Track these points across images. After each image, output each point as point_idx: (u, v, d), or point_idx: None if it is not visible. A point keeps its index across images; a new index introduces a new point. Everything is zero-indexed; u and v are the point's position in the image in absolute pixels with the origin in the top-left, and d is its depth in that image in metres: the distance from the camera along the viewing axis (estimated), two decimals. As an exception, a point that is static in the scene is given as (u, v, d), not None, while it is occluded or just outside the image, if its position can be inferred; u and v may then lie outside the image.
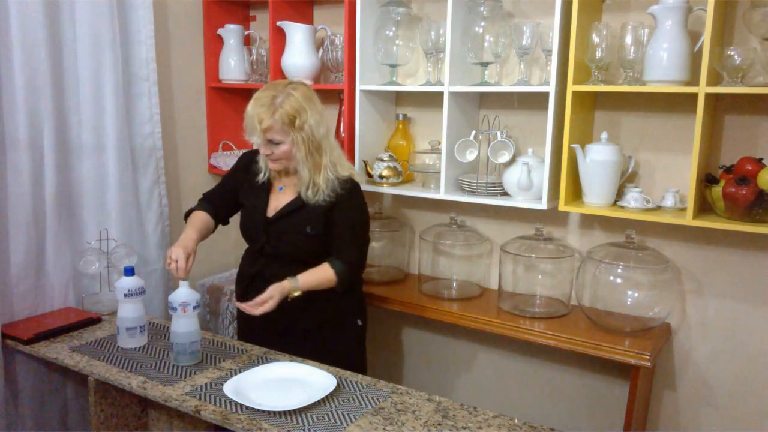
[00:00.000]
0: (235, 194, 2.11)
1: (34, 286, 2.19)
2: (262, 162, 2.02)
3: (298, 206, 1.95)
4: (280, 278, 1.87)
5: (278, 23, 2.53)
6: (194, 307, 1.82)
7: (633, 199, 2.00)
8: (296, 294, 1.87)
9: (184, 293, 1.81)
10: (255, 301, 1.83)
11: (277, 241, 1.99)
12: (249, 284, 2.04)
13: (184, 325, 1.82)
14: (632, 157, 2.12)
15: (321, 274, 1.91)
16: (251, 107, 1.85)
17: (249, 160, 2.10)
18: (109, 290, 2.33)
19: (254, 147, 1.95)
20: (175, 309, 1.80)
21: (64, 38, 2.20)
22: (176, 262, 1.87)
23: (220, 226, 2.18)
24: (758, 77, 1.89)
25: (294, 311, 1.93)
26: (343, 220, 1.94)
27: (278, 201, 2.00)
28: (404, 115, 2.54)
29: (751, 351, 2.07)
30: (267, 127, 1.82)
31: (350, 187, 1.94)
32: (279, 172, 2.00)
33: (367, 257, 2.07)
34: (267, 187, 2.04)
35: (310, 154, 1.88)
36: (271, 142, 1.86)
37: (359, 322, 2.11)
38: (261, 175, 2.02)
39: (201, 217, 2.08)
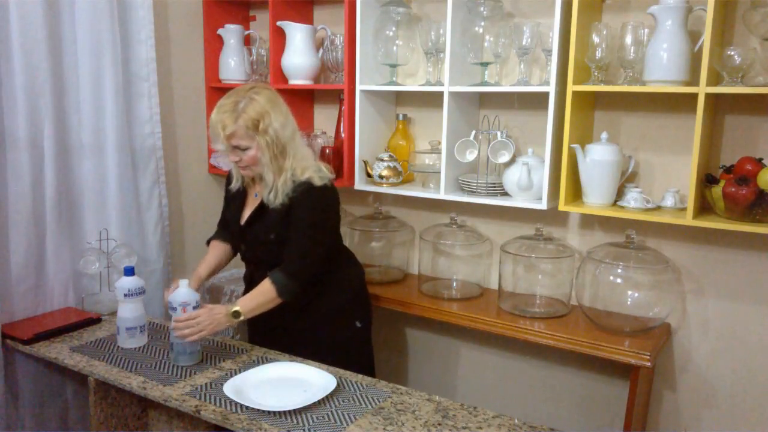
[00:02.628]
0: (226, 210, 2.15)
1: (34, 286, 2.18)
2: (234, 171, 2.02)
3: (258, 213, 1.95)
4: None
5: (278, 23, 2.53)
6: (194, 307, 1.82)
7: (633, 199, 2.00)
8: (237, 319, 1.83)
9: (183, 293, 1.81)
10: (183, 316, 1.80)
11: (250, 249, 2.02)
12: (247, 288, 2.09)
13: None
14: (632, 157, 2.12)
15: (259, 291, 1.87)
16: (214, 114, 1.83)
17: (231, 174, 2.11)
18: (109, 290, 2.33)
19: (220, 154, 1.94)
20: (175, 309, 1.80)
21: (64, 38, 2.20)
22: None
23: None
24: (758, 77, 1.89)
25: (292, 311, 1.94)
26: (294, 224, 1.89)
27: (251, 207, 2.00)
28: (404, 115, 2.54)
29: (751, 351, 2.07)
30: (230, 133, 1.80)
31: (305, 189, 1.88)
32: (252, 179, 1.99)
33: (332, 260, 2.03)
34: (243, 195, 2.04)
35: (275, 157, 1.85)
36: (237, 148, 1.84)
37: (358, 324, 2.10)
38: (234, 183, 2.03)
39: (215, 249, 2.13)
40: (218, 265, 2.12)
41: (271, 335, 2.04)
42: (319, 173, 1.92)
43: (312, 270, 1.93)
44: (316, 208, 1.91)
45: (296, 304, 1.91)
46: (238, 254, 2.14)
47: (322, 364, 1.82)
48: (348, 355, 2.02)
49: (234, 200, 2.06)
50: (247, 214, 2.00)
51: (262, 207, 1.94)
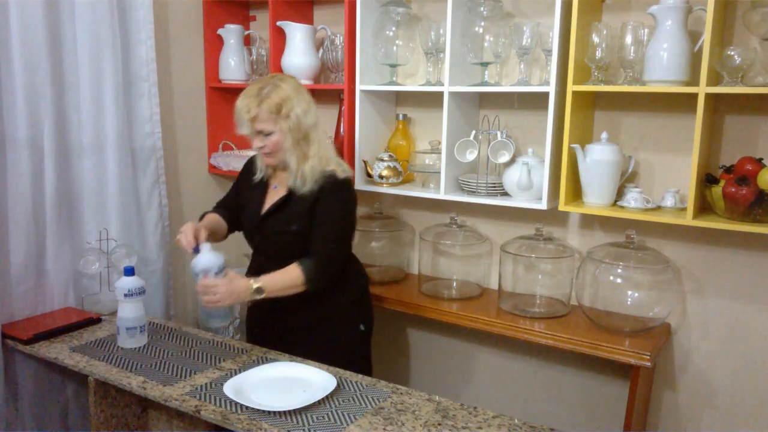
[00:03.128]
0: (240, 199, 2.12)
1: (34, 286, 2.18)
2: (258, 161, 2.04)
3: (284, 203, 1.94)
4: None
5: (278, 23, 2.53)
6: (216, 273, 1.78)
7: (633, 199, 2.00)
8: (260, 296, 1.80)
9: (205, 259, 1.78)
10: (202, 284, 1.78)
11: (267, 241, 1.99)
12: None
13: None
14: (632, 157, 2.12)
15: (286, 272, 1.85)
16: (239, 100, 1.87)
17: (250, 163, 2.12)
18: (109, 290, 2.33)
19: (249, 142, 1.94)
20: (197, 275, 1.77)
21: (64, 38, 2.20)
22: (181, 233, 1.86)
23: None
24: (758, 77, 1.89)
25: (294, 308, 1.94)
26: (321, 215, 1.91)
27: (271, 199, 2.00)
28: (404, 115, 2.54)
29: (751, 351, 2.07)
30: (254, 116, 1.84)
31: (333, 182, 1.91)
32: (275, 169, 2.01)
33: (355, 259, 2.05)
34: (264, 186, 2.04)
35: (297, 143, 1.88)
36: (261, 133, 1.87)
37: (362, 327, 2.09)
38: (258, 174, 2.03)
39: (212, 216, 2.09)
40: (216, 230, 2.07)
41: (270, 332, 2.04)
42: (340, 167, 1.95)
43: (339, 264, 1.96)
44: (343, 202, 1.94)
45: (306, 300, 1.90)
46: (238, 254, 2.13)
47: (322, 364, 1.82)
48: (348, 358, 2.00)
49: (253, 191, 2.05)
50: (267, 205, 2.00)
51: (287, 197, 1.94)
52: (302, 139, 1.89)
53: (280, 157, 1.91)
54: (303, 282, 1.85)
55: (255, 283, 1.80)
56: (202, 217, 2.10)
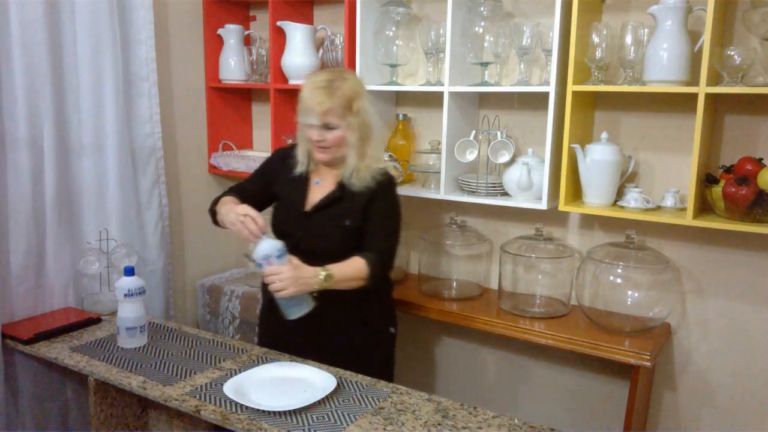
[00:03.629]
0: (268, 189, 2.02)
1: (34, 286, 2.19)
2: (301, 155, 1.95)
3: (336, 198, 1.89)
4: None
5: (278, 23, 2.53)
6: (277, 257, 1.71)
7: (633, 199, 2.00)
8: (327, 284, 1.73)
9: (263, 247, 1.71)
10: (267, 272, 1.70)
11: (313, 236, 1.90)
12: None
13: None
14: (632, 157, 2.12)
15: (350, 264, 1.80)
16: (308, 90, 1.81)
17: (284, 154, 2.03)
18: (109, 290, 2.33)
19: (306, 132, 1.85)
20: (261, 265, 1.72)
21: (64, 38, 2.20)
22: (246, 216, 1.75)
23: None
24: (758, 77, 1.89)
25: (323, 312, 1.84)
26: (377, 213, 1.88)
27: (315, 195, 1.93)
28: (404, 115, 2.54)
29: (751, 351, 2.07)
30: (327, 109, 1.78)
31: (388, 180, 1.90)
32: (317, 164, 1.94)
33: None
34: (304, 181, 1.96)
35: (361, 140, 1.84)
36: (325, 127, 1.81)
37: (392, 330, 2.06)
38: (299, 167, 1.95)
39: (235, 201, 1.94)
40: None
41: (293, 334, 1.93)
42: (391, 167, 1.95)
43: (394, 262, 1.93)
44: (397, 199, 1.94)
45: (344, 300, 1.84)
46: (238, 254, 2.09)
47: (322, 365, 1.82)
48: (377, 361, 1.97)
49: (290, 184, 1.97)
50: (310, 200, 1.93)
51: (339, 192, 1.88)
52: (365, 137, 1.85)
53: (336, 152, 1.85)
54: (366, 276, 1.80)
55: (323, 270, 1.74)
56: (216, 201, 1.99)
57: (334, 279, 1.75)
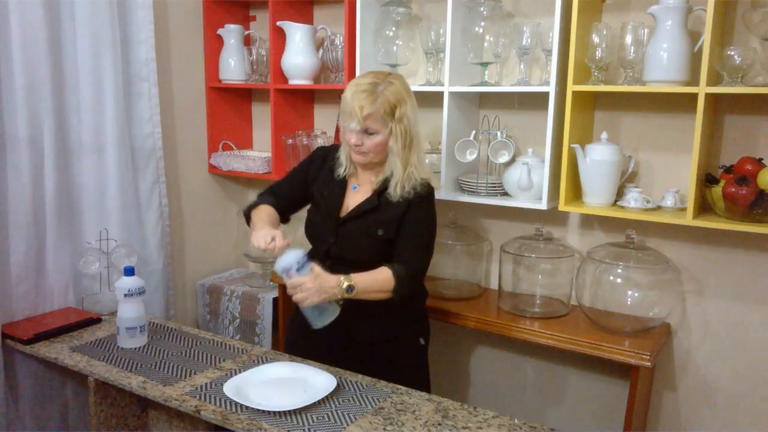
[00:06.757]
0: (305, 189, 1.97)
1: (34, 286, 2.19)
2: (343, 156, 1.89)
3: (371, 207, 1.83)
4: None
5: (278, 23, 2.53)
6: (297, 269, 1.67)
7: (633, 199, 2.00)
8: (349, 294, 1.69)
9: (283, 260, 1.68)
10: (289, 283, 1.67)
11: (344, 244, 1.85)
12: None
13: None
14: (632, 157, 2.12)
15: (376, 274, 1.75)
16: (351, 93, 1.75)
17: (325, 154, 1.97)
18: (109, 290, 2.33)
19: (345, 135, 1.81)
20: (283, 276, 1.70)
21: (64, 38, 2.20)
22: (273, 240, 1.71)
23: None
24: (758, 77, 1.89)
25: (352, 323, 1.82)
26: (411, 224, 1.81)
27: (351, 201, 1.88)
28: (404, 115, 2.53)
29: (751, 351, 2.07)
30: (368, 114, 1.72)
31: (426, 191, 1.83)
32: (355, 168, 1.89)
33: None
34: (342, 185, 1.90)
35: (405, 147, 1.78)
36: (365, 132, 1.76)
37: (422, 341, 1.98)
38: (341, 170, 1.89)
39: (269, 213, 1.90)
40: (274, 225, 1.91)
41: (322, 345, 1.90)
42: (431, 176, 1.88)
43: (423, 277, 1.88)
44: (433, 212, 1.87)
45: (374, 312, 1.81)
46: (238, 254, 2.08)
47: (321, 365, 1.82)
48: (411, 374, 1.93)
49: (330, 187, 1.91)
50: (346, 206, 1.88)
51: (376, 201, 1.83)
52: (409, 144, 1.78)
53: (374, 157, 1.81)
54: (392, 288, 1.75)
55: (346, 280, 1.69)
56: (254, 206, 1.94)
57: (357, 290, 1.71)
